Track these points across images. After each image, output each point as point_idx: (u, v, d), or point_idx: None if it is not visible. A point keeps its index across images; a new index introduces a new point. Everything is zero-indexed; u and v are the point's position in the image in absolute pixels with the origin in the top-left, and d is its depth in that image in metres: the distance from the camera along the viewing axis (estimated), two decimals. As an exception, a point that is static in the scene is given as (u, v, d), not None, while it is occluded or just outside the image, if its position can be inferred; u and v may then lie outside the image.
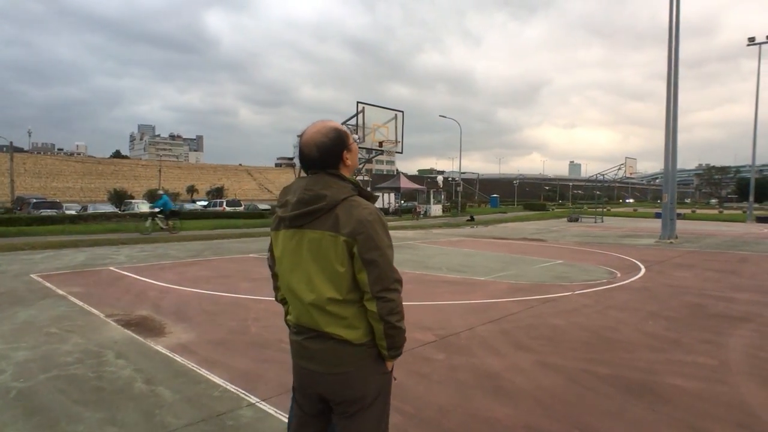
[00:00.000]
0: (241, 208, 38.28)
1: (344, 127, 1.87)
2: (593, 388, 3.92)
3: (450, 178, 69.31)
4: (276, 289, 2.07)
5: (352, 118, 12.61)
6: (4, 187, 47.02)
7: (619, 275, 9.55)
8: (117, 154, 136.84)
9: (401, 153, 14.41)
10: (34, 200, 30.95)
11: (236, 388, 3.85)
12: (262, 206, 39.29)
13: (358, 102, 12.44)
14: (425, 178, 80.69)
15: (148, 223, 17.78)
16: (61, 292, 7.59)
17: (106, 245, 14.61)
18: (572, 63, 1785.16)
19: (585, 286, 8.30)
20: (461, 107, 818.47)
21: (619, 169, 30.57)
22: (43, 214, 24.57)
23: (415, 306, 6.70)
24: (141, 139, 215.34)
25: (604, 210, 38.62)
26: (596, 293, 7.75)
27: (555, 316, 6.20)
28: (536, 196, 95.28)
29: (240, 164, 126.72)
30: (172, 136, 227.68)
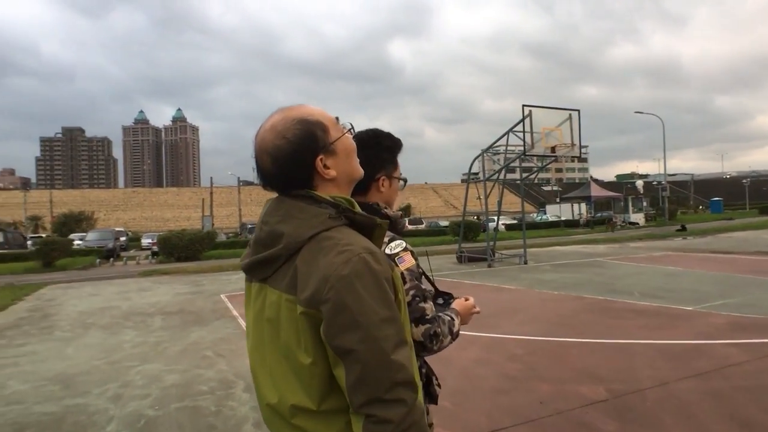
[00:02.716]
0: (423, 226, 39.16)
1: (322, 115, 1.10)
2: None
3: (655, 182, 60.36)
4: None
5: (518, 123, 11.40)
6: (236, 215, 56.77)
7: None
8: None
9: (579, 157, 12.55)
10: (250, 225, 36.41)
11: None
12: (443, 223, 39.55)
13: (523, 105, 11.13)
14: (624, 184, 72.10)
15: None
16: (235, 313, 8.18)
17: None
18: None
19: None
20: (666, 100, 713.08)
21: None
22: (255, 237, 28.57)
23: (585, 344, 5.33)
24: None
25: None
26: None
27: (808, 373, 4.21)
28: (778, 196, 76.62)
29: (425, 182, 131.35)
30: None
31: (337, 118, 1.14)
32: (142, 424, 3.79)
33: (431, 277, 1.81)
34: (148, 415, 3.96)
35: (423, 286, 1.43)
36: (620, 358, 4.85)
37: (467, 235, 23.49)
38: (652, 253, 15.32)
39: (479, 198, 15.04)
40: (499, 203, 16.60)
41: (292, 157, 1.04)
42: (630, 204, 36.14)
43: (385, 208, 1.57)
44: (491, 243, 14.96)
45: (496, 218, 17.70)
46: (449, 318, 1.53)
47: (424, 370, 1.52)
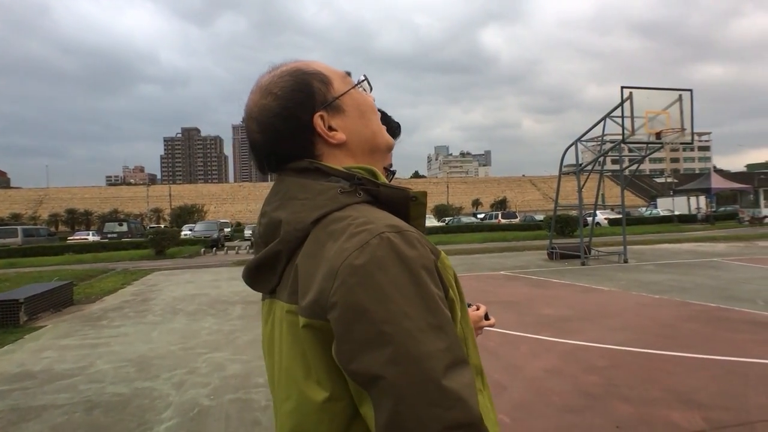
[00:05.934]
0: (516, 220, 37.61)
1: (323, 66, 0.84)
2: None
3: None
4: None
5: (616, 108, 10.24)
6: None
7: None
8: (415, 175, 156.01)
9: (691, 143, 10.98)
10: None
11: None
12: (539, 217, 37.61)
13: (622, 87, 9.95)
14: (756, 174, 63.90)
15: None
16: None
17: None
18: None
19: None
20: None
21: None
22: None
23: (685, 359, 4.56)
24: (436, 159, 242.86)
25: None
26: None
27: None
28: None
29: (523, 175, 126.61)
30: (462, 154, 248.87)
31: (348, 73, 0.86)
32: (194, 414, 3.83)
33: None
34: (202, 405, 4.00)
35: None
36: (729, 381, 4.06)
37: (564, 230, 21.99)
38: (786, 254, 13.16)
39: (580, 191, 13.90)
40: (599, 196, 15.23)
41: (282, 116, 0.78)
42: (761, 197, 31.65)
43: None
44: (586, 239, 13.79)
45: (593, 212, 16.27)
46: None
47: None
